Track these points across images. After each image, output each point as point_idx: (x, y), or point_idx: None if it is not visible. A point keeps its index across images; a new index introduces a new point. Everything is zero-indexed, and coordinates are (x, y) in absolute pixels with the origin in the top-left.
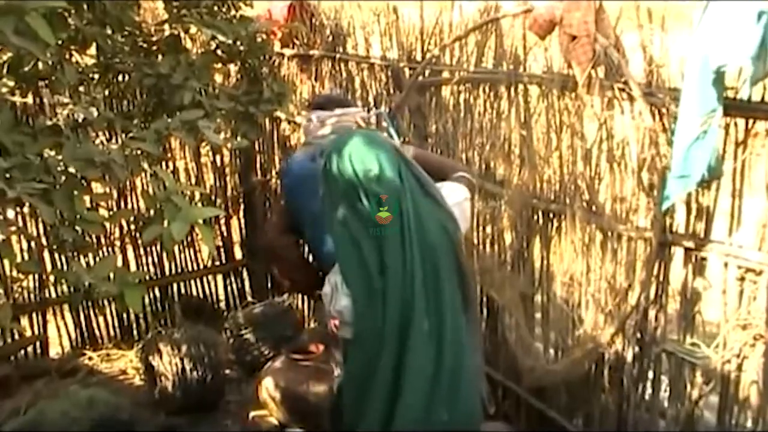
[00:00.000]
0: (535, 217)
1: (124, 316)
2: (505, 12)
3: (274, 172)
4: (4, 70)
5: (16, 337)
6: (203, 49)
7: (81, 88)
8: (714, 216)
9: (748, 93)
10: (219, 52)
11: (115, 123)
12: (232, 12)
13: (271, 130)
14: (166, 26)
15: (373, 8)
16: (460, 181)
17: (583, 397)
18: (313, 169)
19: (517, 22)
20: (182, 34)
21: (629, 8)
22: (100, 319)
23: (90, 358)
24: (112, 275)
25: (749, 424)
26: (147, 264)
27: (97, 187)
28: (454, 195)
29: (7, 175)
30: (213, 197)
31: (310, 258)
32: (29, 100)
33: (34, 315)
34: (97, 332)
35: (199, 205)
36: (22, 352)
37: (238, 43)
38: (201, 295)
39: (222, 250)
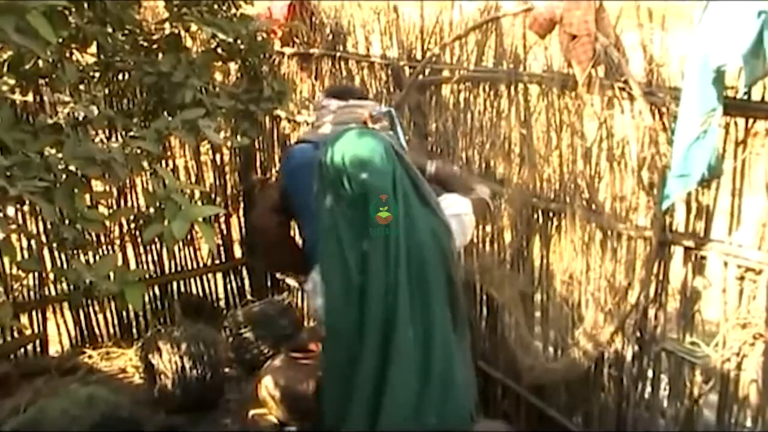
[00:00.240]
0: (535, 216)
1: (124, 314)
2: (505, 11)
3: (274, 171)
4: (5, 68)
5: (16, 335)
6: (204, 47)
7: (81, 87)
8: (714, 215)
9: (743, 92)
10: (219, 50)
11: (115, 121)
12: (233, 10)
13: (271, 128)
14: (167, 25)
15: (373, 7)
16: (471, 198)
17: (582, 395)
18: (314, 158)
19: (518, 21)
20: (183, 33)
21: (629, 7)
22: (100, 317)
23: (90, 357)
24: (112, 273)
25: (749, 422)
26: (147, 262)
27: (97, 185)
28: (455, 207)
29: (8, 173)
30: (213, 196)
31: (300, 243)
32: (29, 98)
33: (33, 313)
34: (96, 330)
35: (199, 203)
36: (22, 350)
37: (239, 41)
38: (201, 294)
39: (222, 248)
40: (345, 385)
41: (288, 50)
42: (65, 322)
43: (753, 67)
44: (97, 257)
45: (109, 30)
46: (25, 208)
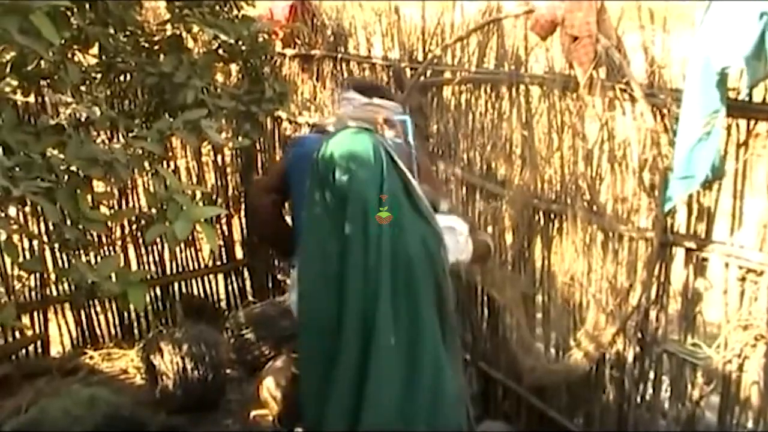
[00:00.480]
0: (537, 217)
1: (125, 315)
2: (506, 12)
3: None
4: (8, 69)
5: (18, 335)
6: (205, 48)
7: (83, 88)
8: (715, 216)
9: (745, 93)
10: (221, 51)
11: (117, 122)
12: (234, 12)
13: (273, 129)
14: (168, 26)
15: (374, 8)
16: (474, 236)
17: (583, 397)
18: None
19: (519, 23)
20: (184, 34)
21: (631, 9)
22: (102, 318)
23: (91, 357)
24: (114, 274)
25: (750, 424)
26: (148, 263)
27: (99, 186)
28: (452, 222)
29: (11, 174)
30: (214, 197)
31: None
32: (32, 99)
33: (35, 313)
34: (98, 331)
35: (201, 204)
36: (24, 350)
37: (240, 42)
38: (202, 295)
39: (223, 249)
40: (322, 382)
41: (289, 51)
42: (67, 322)
43: (754, 69)
44: (99, 258)
45: (111, 31)
46: (27, 208)
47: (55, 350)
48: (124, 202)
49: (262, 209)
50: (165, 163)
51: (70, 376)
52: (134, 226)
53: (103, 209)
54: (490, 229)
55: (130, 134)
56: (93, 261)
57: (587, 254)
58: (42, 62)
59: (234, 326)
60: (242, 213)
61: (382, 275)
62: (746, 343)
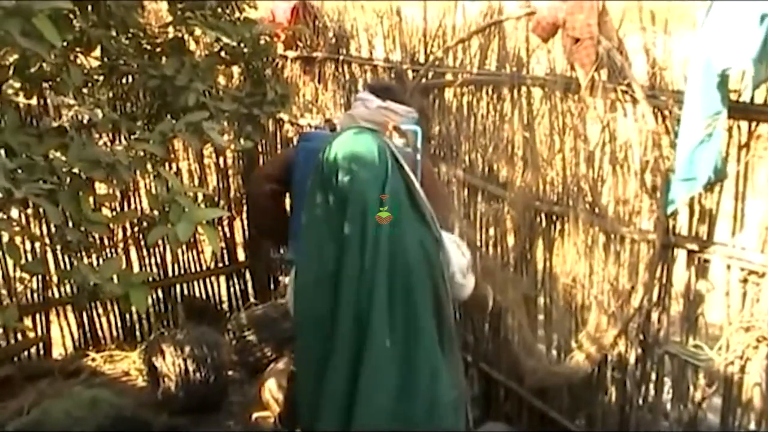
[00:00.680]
0: (538, 219)
1: (127, 317)
2: (508, 14)
3: None
4: (11, 72)
5: (20, 337)
6: (207, 51)
7: (86, 90)
8: (717, 218)
9: (750, 95)
10: (223, 54)
11: (119, 124)
12: (236, 14)
13: (274, 131)
14: (170, 28)
15: (376, 10)
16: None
17: (585, 398)
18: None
19: (521, 25)
20: (186, 36)
21: (632, 10)
22: (103, 319)
23: (93, 359)
24: (116, 276)
25: (752, 425)
26: (150, 265)
27: (101, 188)
28: (458, 241)
29: (13, 176)
30: (216, 198)
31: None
32: (34, 101)
33: (37, 315)
34: (100, 333)
35: (203, 206)
36: (26, 352)
37: (242, 45)
38: (204, 297)
39: (225, 251)
40: (317, 382)
41: (291, 54)
42: (69, 324)
43: (757, 71)
44: (101, 260)
45: (114, 33)
46: (29, 210)
47: (57, 352)
48: (126, 204)
49: (262, 198)
50: (167, 165)
51: (72, 377)
52: (136, 228)
53: (105, 211)
54: (491, 231)
55: (132, 136)
56: (95, 263)
57: (589, 256)
58: (44, 64)
59: (236, 328)
60: (244, 215)
61: (378, 276)
62: (748, 344)
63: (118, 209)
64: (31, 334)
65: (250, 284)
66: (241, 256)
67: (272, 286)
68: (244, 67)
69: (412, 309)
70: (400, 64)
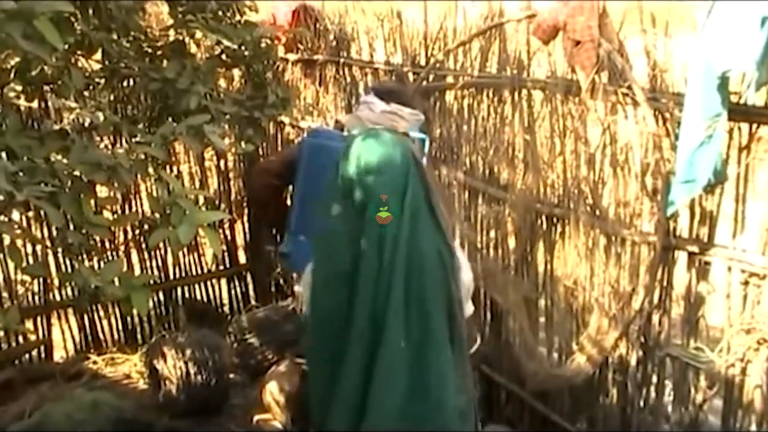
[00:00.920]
0: (539, 222)
1: (129, 319)
2: (508, 17)
3: None
4: (12, 75)
5: (21, 340)
6: (208, 54)
7: (87, 93)
8: (717, 220)
9: (752, 98)
10: (224, 57)
11: (120, 127)
12: (237, 17)
13: (275, 134)
14: (172, 31)
15: (377, 13)
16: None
17: (586, 401)
18: (331, 147)
19: (521, 27)
20: (187, 39)
21: (633, 12)
22: (105, 322)
23: (94, 362)
24: (117, 279)
25: (753, 427)
26: (151, 268)
27: (102, 191)
28: (467, 266)
29: (14, 179)
30: (217, 201)
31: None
32: (35, 104)
33: (38, 318)
34: (101, 336)
35: (204, 209)
36: (27, 355)
37: (243, 48)
38: (205, 299)
39: (226, 254)
40: (329, 381)
41: (292, 56)
42: (70, 327)
43: (760, 74)
44: (102, 262)
45: (115, 36)
46: (30, 213)
47: (58, 355)
48: (127, 207)
49: (261, 191)
50: (168, 168)
51: (74, 380)
52: (137, 231)
53: (107, 214)
54: (492, 233)
55: (134, 139)
56: (96, 266)
57: (590, 258)
58: (46, 67)
59: (237, 331)
60: (245, 218)
61: (396, 277)
62: (749, 346)
63: (120, 212)
64: (33, 337)
65: (251, 287)
66: (242, 258)
67: (273, 289)
68: (245, 70)
69: (425, 312)
70: (400, 67)
